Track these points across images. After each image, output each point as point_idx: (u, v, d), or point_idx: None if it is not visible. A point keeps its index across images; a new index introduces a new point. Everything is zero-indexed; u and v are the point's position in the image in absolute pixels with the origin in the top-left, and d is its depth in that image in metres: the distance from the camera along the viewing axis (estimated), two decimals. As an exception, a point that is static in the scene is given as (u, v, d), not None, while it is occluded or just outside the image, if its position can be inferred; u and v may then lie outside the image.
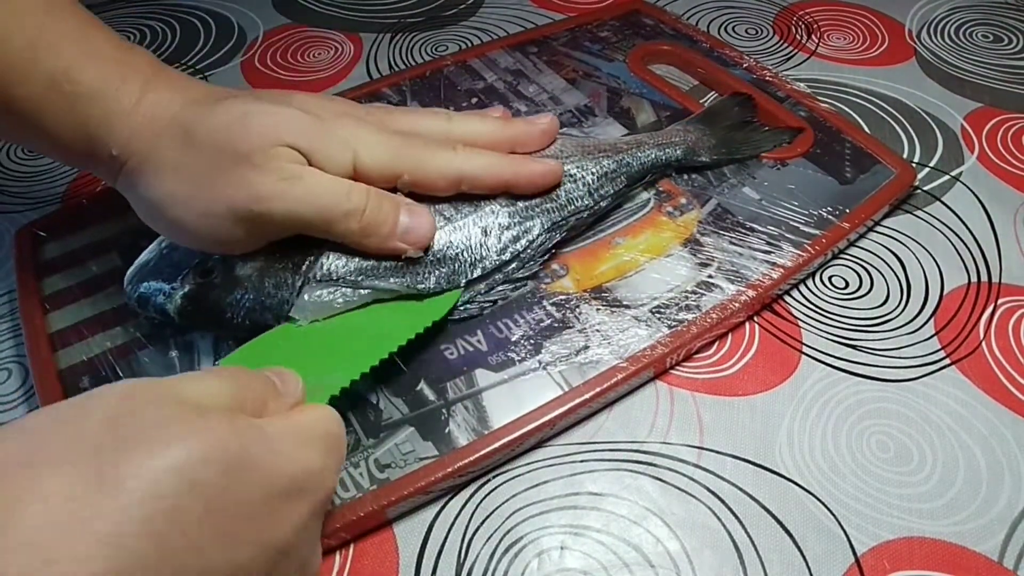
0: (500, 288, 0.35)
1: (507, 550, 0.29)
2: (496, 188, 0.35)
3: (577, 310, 0.35)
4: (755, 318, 0.37)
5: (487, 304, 0.35)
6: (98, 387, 0.21)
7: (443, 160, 0.33)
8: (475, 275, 0.35)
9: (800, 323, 0.37)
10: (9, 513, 0.17)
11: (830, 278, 0.39)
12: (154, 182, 0.29)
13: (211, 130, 0.29)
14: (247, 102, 0.30)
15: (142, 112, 0.29)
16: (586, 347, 0.34)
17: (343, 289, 0.33)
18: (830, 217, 0.39)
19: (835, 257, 0.40)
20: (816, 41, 0.55)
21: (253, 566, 0.20)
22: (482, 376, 0.33)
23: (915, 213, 0.42)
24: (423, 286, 0.34)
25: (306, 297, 0.32)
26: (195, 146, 0.29)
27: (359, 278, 0.33)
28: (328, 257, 0.32)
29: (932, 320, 0.37)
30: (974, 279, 0.39)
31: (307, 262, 0.32)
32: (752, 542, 0.29)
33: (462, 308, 0.35)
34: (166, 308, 0.32)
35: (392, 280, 0.33)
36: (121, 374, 0.33)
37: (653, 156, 0.40)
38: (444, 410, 0.32)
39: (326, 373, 0.29)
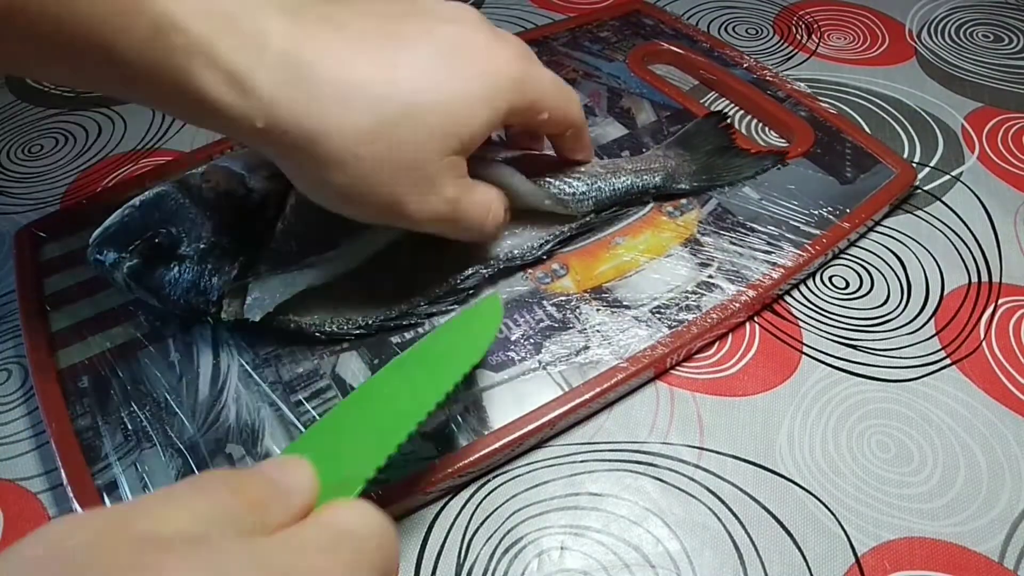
0: (437, 306, 0.35)
1: (507, 550, 0.29)
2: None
3: (577, 310, 0.35)
4: (755, 318, 0.37)
5: (425, 316, 0.35)
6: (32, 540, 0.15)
7: (574, 106, 0.34)
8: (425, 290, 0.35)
9: (800, 323, 0.37)
10: None
11: (830, 278, 0.39)
12: (325, 173, 0.28)
13: (383, 124, 0.27)
14: (413, 86, 0.27)
15: (271, 63, 0.26)
16: (586, 347, 0.34)
17: (285, 275, 0.33)
18: (830, 217, 0.39)
19: (835, 257, 0.40)
20: (816, 41, 0.55)
21: None
22: (482, 376, 0.33)
23: (915, 213, 0.42)
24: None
25: (252, 288, 0.33)
26: (368, 141, 0.27)
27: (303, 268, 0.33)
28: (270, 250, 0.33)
29: (933, 320, 0.37)
30: (975, 279, 0.39)
31: (246, 253, 0.33)
32: (752, 542, 0.29)
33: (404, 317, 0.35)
34: (115, 276, 0.33)
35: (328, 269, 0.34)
36: (121, 374, 0.33)
37: (628, 183, 0.39)
38: (444, 410, 0.32)
39: (359, 456, 0.23)
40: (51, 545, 0.15)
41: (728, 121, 0.43)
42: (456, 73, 0.28)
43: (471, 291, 0.36)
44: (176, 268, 0.33)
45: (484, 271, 0.36)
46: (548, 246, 0.37)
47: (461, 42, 0.29)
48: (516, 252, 0.37)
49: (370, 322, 0.34)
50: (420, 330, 0.35)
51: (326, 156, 0.27)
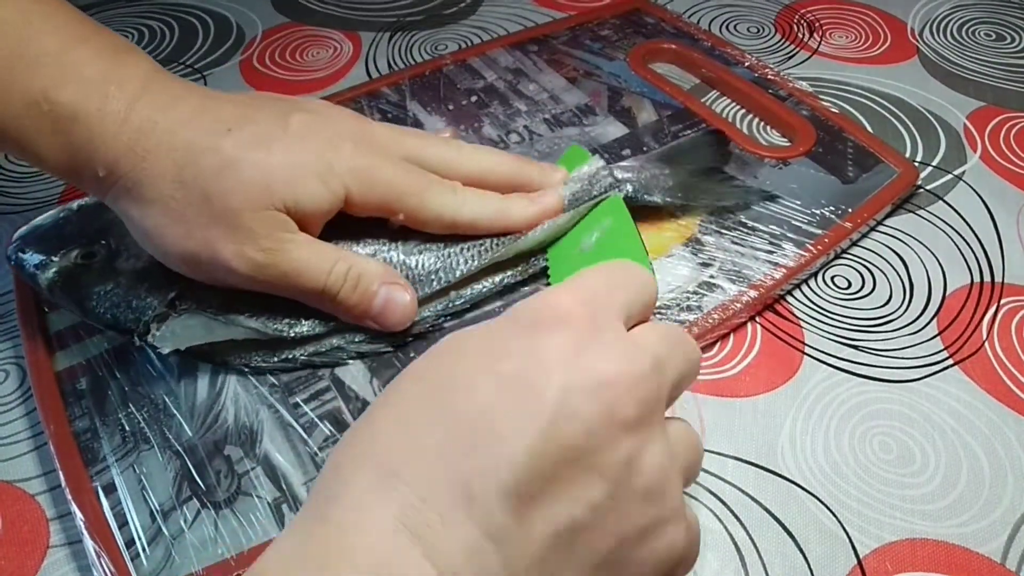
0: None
1: (507, 552, 0.29)
2: (491, 233, 0.34)
3: (578, 311, 0.35)
4: (757, 318, 0.37)
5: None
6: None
7: (441, 203, 0.33)
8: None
9: (802, 323, 0.37)
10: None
11: (832, 278, 0.39)
12: (144, 211, 0.29)
13: (202, 172, 0.29)
14: (241, 143, 0.29)
15: (127, 134, 0.29)
16: (587, 348, 0.33)
17: (209, 320, 0.32)
18: (832, 216, 0.39)
19: (837, 257, 0.40)
20: (818, 39, 0.55)
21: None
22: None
23: (918, 212, 0.42)
24: (295, 331, 0.33)
25: (171, 323, 0.32)
26: (185, 185, 0.29)
27: (228, 314, 0.32)
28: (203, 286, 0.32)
29: (935, 320, 0.37)
30: (977, 279, 0.39)
31: (184, 280, 0.32)
32: (754, 544, 0.29)
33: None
34: (37, 278, 0.33)
35: (258, 322, 0.32)
36: (119, 376, 0.33)
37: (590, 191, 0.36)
38: None
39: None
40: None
41: (728, 146, 0.41)
42: (291, 146, 0.30)
43: (411, 339, 0.34)
44: (111, 282, 0.32)
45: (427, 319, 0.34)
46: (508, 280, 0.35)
47: (308, 127, 0.31)
48: (468, 293, 0.34)
49: (298, 355, 0.33)
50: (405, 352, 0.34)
51: (145, 198, 0.29)
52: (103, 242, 0.33)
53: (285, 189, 0.30)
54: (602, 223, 0.34)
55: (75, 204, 0.35)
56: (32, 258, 0.33)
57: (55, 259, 0.33)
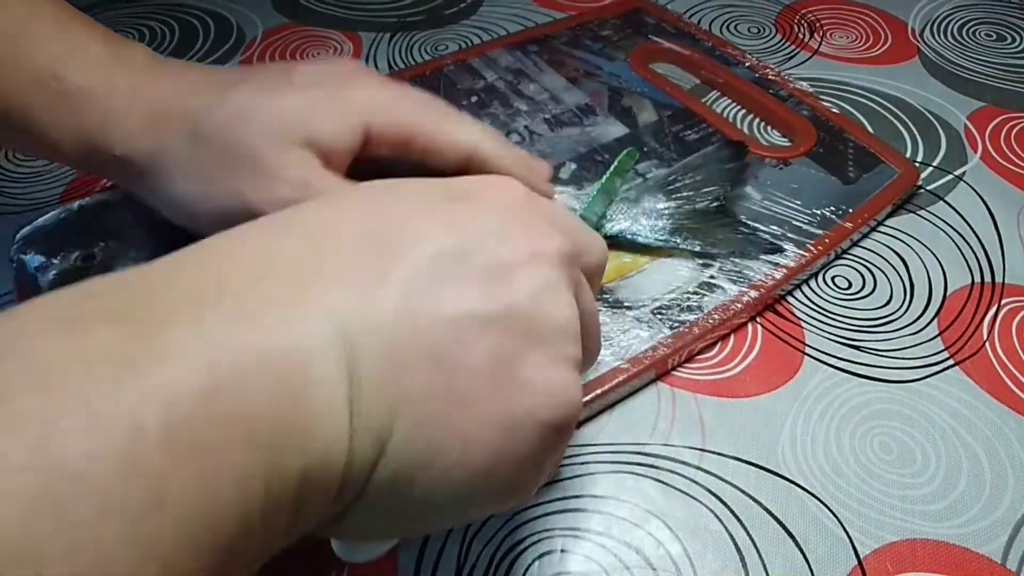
0: None
1: (507, 554, 0.29)
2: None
3: (578, 311, 0.35)
4: (757, 319, 0.37)
5: None
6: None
7: (461, 128, 0.30)
8: None
9: (803, 324, 0.37)
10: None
11: (833, 278, 0.39)
12: (166, 181, 0.29)
13: (216, 125, 0.28)
14: (249, 91, 0.29)
15: (139, 107, 0.29)
16: (587, 348, 0.33)
17: None
18: (833, 217, 0.39)
19: (838, 257, 0.40)
20: (819, 40, 0.55)
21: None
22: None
23: (918, 213, 0.42)
24: None
25: None
26: (202, 142, 0.29)
27: None
28: None
29: (935, 320, 0.37)
30: (977, 279, 0.39)
31: None
32: (754, 544, 0.29)
33: None
34: (38, 280, 0.33)
35: None
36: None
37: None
38: None
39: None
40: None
41: (746, 151, 0.39)
42: (300, 90, 0.30)
43: None
44: None
45: None
46: None
47: (314, 75, 0.30)
48: None
49: None
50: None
51: (165, 168, 0.29)
52: (102, 244, 0.33)
53: (299, 126, 0.29)
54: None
55: (75, 204, 0.35)
56: (33, 260, 0.33)
57: (55, 261, 0.33)
